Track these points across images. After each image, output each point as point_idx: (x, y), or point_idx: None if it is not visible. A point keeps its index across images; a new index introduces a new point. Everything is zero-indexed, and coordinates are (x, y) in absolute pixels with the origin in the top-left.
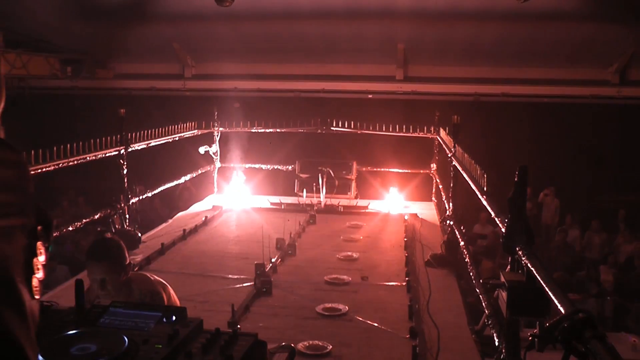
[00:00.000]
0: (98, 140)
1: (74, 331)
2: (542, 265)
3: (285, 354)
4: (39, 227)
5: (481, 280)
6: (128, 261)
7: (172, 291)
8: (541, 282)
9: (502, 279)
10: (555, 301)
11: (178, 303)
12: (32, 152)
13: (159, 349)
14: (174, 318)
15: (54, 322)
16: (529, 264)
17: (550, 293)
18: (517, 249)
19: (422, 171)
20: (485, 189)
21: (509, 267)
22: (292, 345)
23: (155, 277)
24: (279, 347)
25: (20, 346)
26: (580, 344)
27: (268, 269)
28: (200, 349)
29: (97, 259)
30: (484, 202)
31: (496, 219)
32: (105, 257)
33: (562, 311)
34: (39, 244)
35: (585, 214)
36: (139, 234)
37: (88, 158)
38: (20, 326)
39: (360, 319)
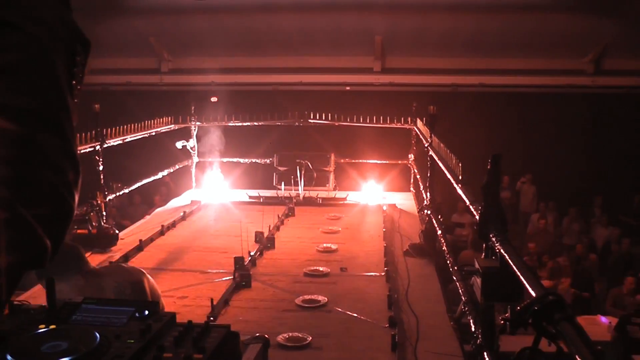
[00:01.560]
0: None
1: (44, 329)
2: (515, 251)
3: (259, 345)
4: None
5: (456, 267)
6: (82, 260)
7: (150, 279)
8: (514, 267)
9: (477, 266)
10: (527, 285)
11: (159, 291)
12: None
13: (131, 344)
14: (146, 313)
15: (26, 320)
16: (502, 250)
17: (522, 278)
18: (491, 235)
19: (400, 162)
20: (460, 177)
21: (483, 254)
22: (267, 336)
23: (130, 267)
24: (253, 338)
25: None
26: (550, 326)
27: (247, 262)
28: (173, 342)
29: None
30: (459, 191)
31: (471, 207)
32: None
33: (534, 295)
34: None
35: (562, 200)
36: (117, 231)
37: None
38: (67, 120)
39: (340, 309)
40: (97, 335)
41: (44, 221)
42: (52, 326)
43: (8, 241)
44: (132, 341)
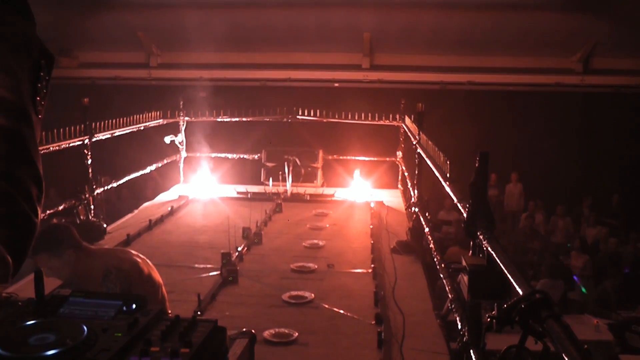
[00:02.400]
0: (61, 130)
1: (32, 321)
2: (502, 249)
3: (246, 340)
4: (42, 61)
5: (443, 265)
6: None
7: (146, 270)
8: (501, 265)
9: (464, 263)
10: (514, 283)
11: (158, 281)
12: None
13: (118, 337)
14: (134, 306)
15: (14, 313)
16: (489, 248)
17: (509, 275)
18: (479, 233)
19: (388, 159)
20: (448, 175)
21: (470, 251)
22: (253, 331)
23: (129, 254)
24: (240, 333)
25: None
26: (537, 324)
27: (234, 258)
28: (160, 336)
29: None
30: (447, 189)
31: (458, 205)
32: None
33: (521, 293)
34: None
35: (550, 199)
36: (104, 225)
37: (51, 148)
38: (31, 139)
39: (326, 306)
40: (85, 328)
41: (6, 238)
42: (40, 319)
43: None
44: (120, 334)
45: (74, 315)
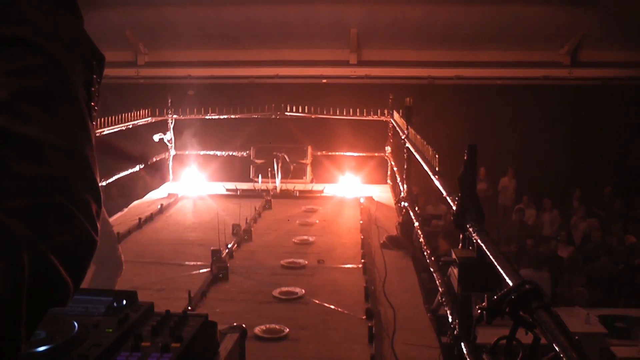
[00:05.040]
0: None
1: None
2: (492, 241)
3: (237, 335)
4: (94, 62)
5: (433, 258)
6: None
7: None
8: (490, 257)
9: (454, 256)
10: (504, 275)
11: None
12: None
13: (109, 333)
14: (124, 302)
15: None
16: (479, 240)
17: (499, 267)
18: (468, 226)
19: (377, 154)
20: (437, 169)
21: (460, 244)
22: (244, 325)
23: None
24: (230, 327)
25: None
26: (527, 315)
27: (224, 254)
28: (150, 331)
29: None
30: (436, 182)
31: (447, 198)
32: None
33: (511, 284)
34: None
35: (540, 192)
36: None
37: None
38: (90, 150)
39: (317, 301)
40: (75, 324)
41: (67, 259)
42: None
43: (31, 285)
44: (110, 330)
45: (65, 311)
